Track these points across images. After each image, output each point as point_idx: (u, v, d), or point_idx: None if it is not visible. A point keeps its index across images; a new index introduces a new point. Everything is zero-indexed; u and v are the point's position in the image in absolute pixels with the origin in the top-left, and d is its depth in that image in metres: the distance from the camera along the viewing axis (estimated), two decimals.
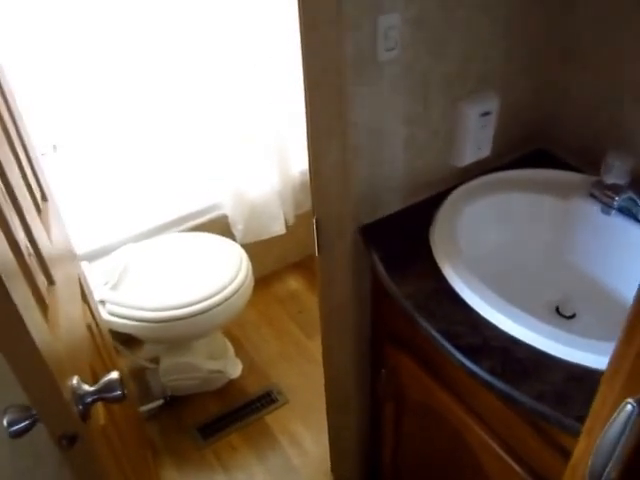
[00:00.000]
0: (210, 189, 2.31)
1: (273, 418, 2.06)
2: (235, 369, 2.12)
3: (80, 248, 1.93)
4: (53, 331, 0.91)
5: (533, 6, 1.19)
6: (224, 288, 1.84)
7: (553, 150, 1.41)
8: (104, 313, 1.80)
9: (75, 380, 0.92)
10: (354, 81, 1.02)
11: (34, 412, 0.82)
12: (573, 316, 1.16)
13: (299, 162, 2.40)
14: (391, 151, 1.16)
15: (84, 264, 1.85)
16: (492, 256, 1.21)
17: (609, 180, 1.16)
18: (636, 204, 1.13)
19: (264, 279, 2.55)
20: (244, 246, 2.13)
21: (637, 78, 1.18)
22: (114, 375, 0.96)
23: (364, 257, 1.26)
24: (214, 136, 2.14)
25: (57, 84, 1.87)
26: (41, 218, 1.13)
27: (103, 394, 0.95)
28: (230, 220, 2.33)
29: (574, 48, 1.27)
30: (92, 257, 2.04)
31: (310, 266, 2.69)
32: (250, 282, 1.96)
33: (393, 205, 1.24)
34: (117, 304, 1.80)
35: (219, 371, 2.05)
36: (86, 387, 0.94)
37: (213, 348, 2.08)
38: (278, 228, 2.39)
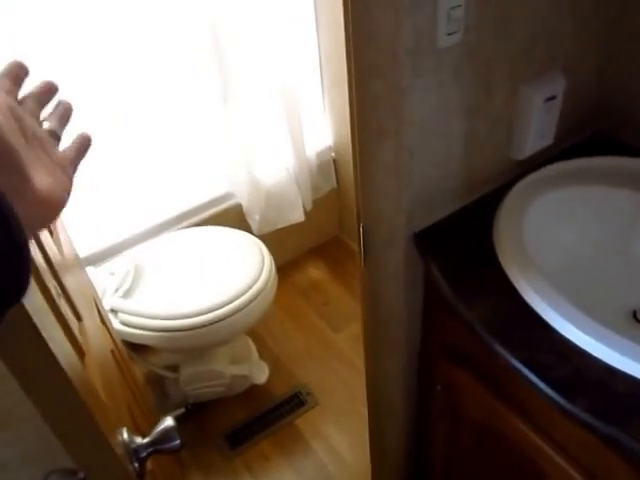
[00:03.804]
0: (222, 177, 2.15)
1: (304, 421, 1.94)
2: (261, 374, 1.98)
3: (83, 250, 1.78)
4: (93, 379, 0.78)
5: None
6: (247, 289, 1.70)
7: (616, 133, 1.25)
8: (116, 323, 1.66)
9: (125, 433, 0.79)
10: (411, 73, 0.86)
11: (82, 476, 0.69)
12: None
13: (314, 143, 2.25)
14: (449, 148, 1.01)
15: (90, 270, 1.72)
16: (561, 259, 1.07)
17: None
18: None
19: (282, 268, 2.39)
20: (259, 235, 1.99)
21: None
22: (169, 422, 0.82)
23: (416, 266, 1.12)
24: (223, 121, 1.98)
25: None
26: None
27: (159, 445, 0.81)
28: (245, 210, 2.18)
29: None
30: (96, 260, 1.90)
31: (331, 252, 2.55)
32: (274, 280, 1.81)
33: (448, 206, 1.10)
34: (131, 313, 1.66)
35: (244, 376, 1.92)
36: (139, 440, 0.80)
37: (236, 351, 1.94)
38: (297, 216, 2.24)
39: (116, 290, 1.71)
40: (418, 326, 1.24)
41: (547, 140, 1.14)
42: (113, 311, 1.68)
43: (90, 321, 1.01)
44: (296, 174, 2.18)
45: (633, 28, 1.14)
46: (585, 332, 0.85)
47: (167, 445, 0.81)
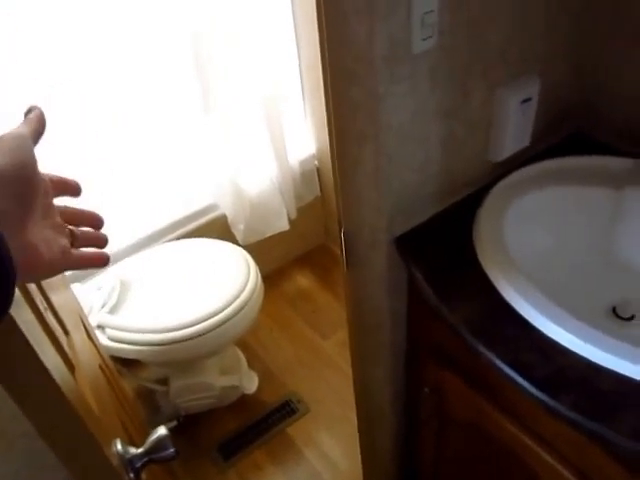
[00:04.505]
0: (206, 189, 2.15)
1: (295, 429, 1.93)
2: (251, 383, 1.98)
3: None
4: (85, 392, 0.78)
5: None
6: (233, 300, 1.70)
7: (593, 132, 1.27)
8: (104, 339, 1.65)
9: (119, 444, 0.79)
10: (388, 79, 0.87)
11: None
12: (632, 318, 1.04)
13: (297, 151, 2.25)
14: (428, 152, 1.02)
15: (75, 286, 1.71)
16: (541, 258, 1.08)
17: None
18: None
19: (269, 278, 2.39)
20: (245, 245, 1.99)
21: None
22: (163, 431, 0.83)
23: (399, 270, 1.12)
24: (205, 133, 1.98)
25: (34, 90, 1.70)
26: None
27: (153, 455, 0.81)
28: (230, 221, 2.18)
29: (624, 21, 1.12)
30: (82, 276, 1.88)
31: (317, 260, 2.55)
32: (261, 289, 1.81)
33: (429, 210, 1.10)
34: (118, 328, 1.65)
35: (234, 386, 1.91)
36: (133, 450, 0.80)
37: (225, 362, 1.94)
38: (281, 224, 2.24)
39: (103, 306, 1.71)
40: (403, 330, 1.24)
41: (524, 141, 1.15)
42: (100, 327, 1.67)
43: (77, 336, 1.00)
44: (280, 183, 2.19)
45: (603, 28, 1.15)
46: (567, 330, 0.86)
47: (162, 454, 0.82)
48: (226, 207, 2.15)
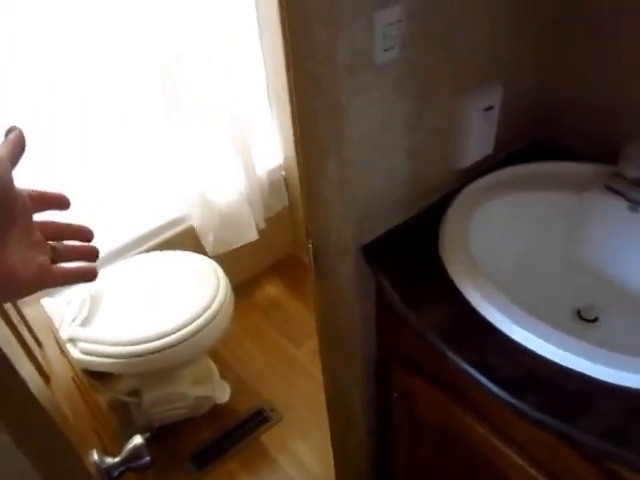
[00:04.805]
0: (174, 200, 2.14)
1: (269, 437, 1.93)
2: (223, 393, 1.98)
3: None
4: (61, 403, 0.77)
5: None
6: (204, 311, 1.70)
7: (556, 139, 1.30)
8: (75, 352, 1.64)
9: (95, 454, 0.79)
10: (351, 89, 0.89)
11: None
12: (595, 320, 1.07)
13: (264, 162, 2.26)
14: (393, 161, 1.04)
15: (46, 300, 1.69)
16: (506, 263, 1.11)
17: (629, 172, 1.06)
18: None
19: (240, 288, 2.37)
20: (214, 256, 1.98)
21: None
22: (138, 440, 0.83)
23: (367, 278, 1.14)
24: (172, 145, 1.97)
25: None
26: None
27: (130, 464, 0.81)
28: (199, 232, 2.18)
29: (587, 28, 1.16)
30: (52, 290, 1.86)
31: (287, 269, 2.56)
32: (231, 299, 1.82)
33: (396, 218, 1.12)
34: (90, 341, 1.64)
35: (207, 397, 1.91)
36: (109, 459, 0.80)
37: (197, 372, 1.93)
38: (250, 235, 2.24)
39: (74, 319, 1.69)
40: (373, 336, 1.26)
41: (487, 149, 1.17)
42: (72, 340, 1.66)
43: (50, 349, 1.00)
44: (248, 194, 2.19)
45: (566, 39, 1.19)
46: (532, 333, 0.88)
47: (138, 462, 0.82)
48: (195, 219, 2.15)
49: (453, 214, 1.10)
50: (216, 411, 1.99)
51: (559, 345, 0.86)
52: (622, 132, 1.14)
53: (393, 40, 0.88)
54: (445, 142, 1.12)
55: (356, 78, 0.89)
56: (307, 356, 2.17)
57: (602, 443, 0.76)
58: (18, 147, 0.50)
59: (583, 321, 1.07)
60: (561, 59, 1.22)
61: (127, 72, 1.82)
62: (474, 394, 0.97)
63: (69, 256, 0.54)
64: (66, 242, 0.56)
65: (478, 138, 1.13)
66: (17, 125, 0.51)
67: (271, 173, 2.32)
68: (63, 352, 1.24)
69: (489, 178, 1.18)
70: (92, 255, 0.57)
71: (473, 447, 1.07)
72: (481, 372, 0.86)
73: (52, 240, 0.54)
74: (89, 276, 0.54)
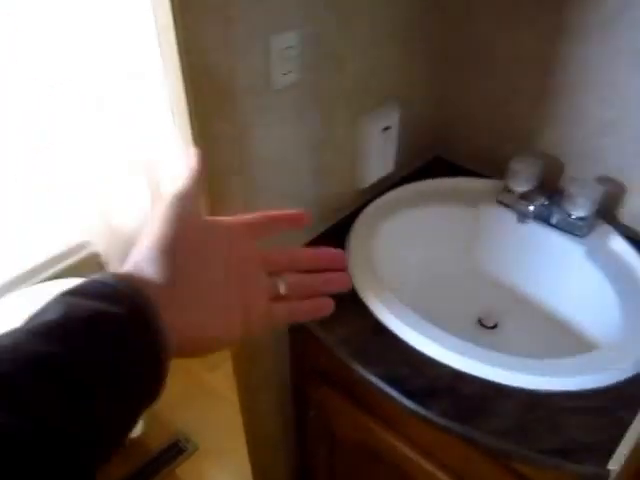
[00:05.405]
0: (75, 226, 2.05)
1: (185, 469, 1.88)
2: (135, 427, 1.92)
3: None
4: None
5: (433, 13, 1.15)
6: None
7: (453, 156, 1.37)
8: None
9: None
10: (252, 111, 0.90)
11: None
12: (495, 326, 1.13)
13: (172, 185, 2.23)
14: (299, 181, 1.06)
15: None
16: (411, 276, 1.15)
17: (516, 186, 1.13)
18: (547, 209, 1.11)
19: None
20: None
21: (532, 82, 1.15)
22: None
23: None
24: (69, 164, 1.89)
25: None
26: None
27: None
28: (104, 259, 2.11)
29: (473, 53, 1.23)
30: None
31: None
32: None
33: (302, 236, 1.14)
34: None
35: None
36: None
37: None
38: None
39: None
40: (286, 355, 1.26)
41: (388, 167, 1.22)
42: None
43: None
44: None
45: (455, 63, 1.26)
46: (434, 342, 0.91)
47: None
48: (100, 245, 2.08)
49: (357, 232, 1.13)
50: (129, 447, 1.92)
51: (457, 351, 0.89)
52: (509, 149, 1.22)
53: (291, 63, 0.90)
54: (348, 162, 1.15)
55: (257, 100, 0.90)
56: (222, 381, 2.14)
57: (503, 442, 0.80)
58: (197, 173, 0.45)
59: (484, 328, 1.12)
60: (454, 81, 1.28)
61: (24, 96, 1.76)
62: (385, 405, 0.99)
63: (306, 290, 0.46)
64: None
65: (379, 157, 1.17)
66: (196, 150, 0.46)
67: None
68: None
69: (391, 195, 1.22)
70: (344, 284, 0.47)
71: (387, 459, 1.09)
72: (388, 383, 0.89)
73: (287, 271, 0.45)
74: (325, 311, 0.46)
